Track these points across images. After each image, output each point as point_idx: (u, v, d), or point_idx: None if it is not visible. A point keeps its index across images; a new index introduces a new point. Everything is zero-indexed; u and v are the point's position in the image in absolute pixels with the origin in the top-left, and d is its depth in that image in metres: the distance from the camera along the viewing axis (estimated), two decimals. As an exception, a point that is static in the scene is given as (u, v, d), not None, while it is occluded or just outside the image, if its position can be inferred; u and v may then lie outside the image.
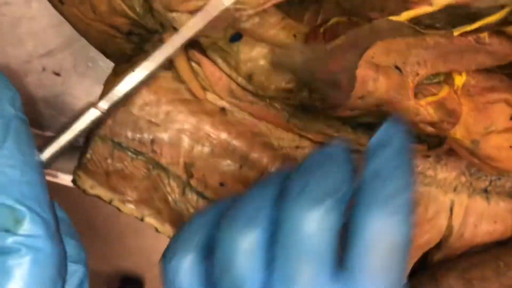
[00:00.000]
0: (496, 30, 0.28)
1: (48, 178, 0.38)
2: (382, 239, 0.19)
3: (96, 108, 0.24)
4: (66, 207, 0.24)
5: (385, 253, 0.19)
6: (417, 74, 0.29)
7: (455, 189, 0.38)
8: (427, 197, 0.37)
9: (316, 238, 0.19)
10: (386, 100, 0.28)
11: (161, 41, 0.28)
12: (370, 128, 0.34)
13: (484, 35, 0.28)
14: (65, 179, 0.36)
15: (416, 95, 0.30)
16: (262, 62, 0.32)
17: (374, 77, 0.28)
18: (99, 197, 0.30)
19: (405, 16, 0.27)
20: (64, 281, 0.20)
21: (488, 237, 0.39)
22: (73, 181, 0.30)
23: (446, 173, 0.38)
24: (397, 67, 0.29)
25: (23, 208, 0.19)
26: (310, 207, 0.19)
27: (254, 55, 0.31)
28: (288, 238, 0.19)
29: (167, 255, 0.21)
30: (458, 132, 0.33)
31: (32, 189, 0.19)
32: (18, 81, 0.38)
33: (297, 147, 0.35)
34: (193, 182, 0.33)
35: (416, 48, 0.29)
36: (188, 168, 0.32)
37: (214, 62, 0.31)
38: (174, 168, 0.32)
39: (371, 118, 0.35)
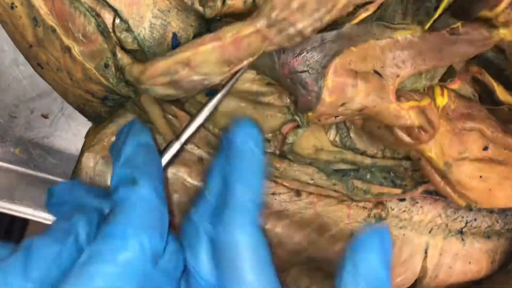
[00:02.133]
0: (469, 18, 0.28)
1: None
2: None
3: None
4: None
5: None
6: (398, 76, 0.30)
7: (430, 231, 0.39)
8: (401, 240, 0.38)
9: None
10: (367, 105, 0.29)
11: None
12: (344, 175, 0.35)
13: (458, 25, 0.28)
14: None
15: (398, 99, 0.30)
16: (239, 114, 0.33)
17: (352, 83, 0.28)
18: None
19: (358, 17, 0.27)
20: None
21: (463, 277, 0.40)
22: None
23: (421, 215, 0.39)
24: (376, 72, 0.29)
25: (139, 176, 0.26)
26: None
27: (231, 108, 0.32)
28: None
29: None
30: (433, 150, 0.33)
31: (150, 169, 0.28)
32: (6, 123, 0.39)
33: (273, 193, 0.36)
34: (171, 228, 0.34)
35: (391, 51, 0.29)
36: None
37: (191, 115, 0.32)
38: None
39: (346, 165, 0.36)
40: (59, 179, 0.40)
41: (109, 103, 0.30)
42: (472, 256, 0.40)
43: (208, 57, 0.25)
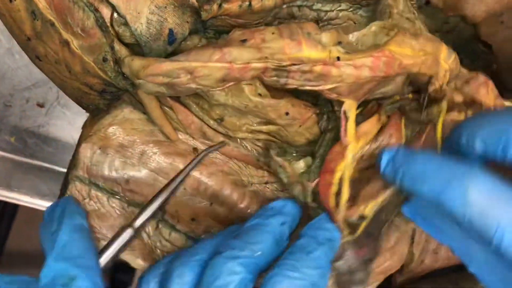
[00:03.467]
0: None
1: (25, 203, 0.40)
2: None
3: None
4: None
5: None
6: None
7: (417, 218, 0.40)
8: (388, 226, 0.40)
9: None
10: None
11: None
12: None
13: None
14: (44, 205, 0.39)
15: None
16: (233, 106, 0.33)
17: None
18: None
19: None
20: None
21: (448, 262, 0.41)
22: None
23: (409, 203, 0.40)
24: None
25: (77, 271, 0.26)
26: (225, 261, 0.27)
27: (226, 101, 0.33)
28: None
29: None
30: None
31: (88, 262, 0.27)
32: (2, 112, 0.39)
33: (266, 183, 0.37)
34: (166, 217, 0.35)
35: None
36: (162, 205, 0.35)
37: (187, 107, 0.33)
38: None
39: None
40: (56, 167, 0.41)
41: (107, 96, 0.30)
42: (457, 242, 0.41)
43: (214, 73, 0.26)
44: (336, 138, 0.32)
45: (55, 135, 0.40)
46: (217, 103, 0.32)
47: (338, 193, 0.31)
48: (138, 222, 0.30)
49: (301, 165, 0.34)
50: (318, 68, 0.28)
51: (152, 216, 0.31)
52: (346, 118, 0.30)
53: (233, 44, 0.27)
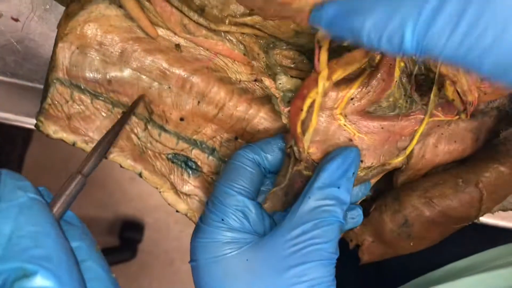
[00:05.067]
0: None
1: (20, 123, 0.39)
2: None
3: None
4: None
5: None
6: None
7: (415, 112, 0.39)
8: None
9: None
10: None
11: None
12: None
13: None
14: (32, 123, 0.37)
15: None
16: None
17: None
18: (62, 140, 0.32)
19: None
20: None
21: (448, 156, 0.40)
22: (36, 126, 0.31)
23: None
24: None
25: (33, 266, 0.22)
26: None
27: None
28: None
29: None
30: None
31: (43, 251, 0.22)
32: (-23, 30, 0.38)
33: (255, 80, 0.35)
34: (154, 117, 0.34)
35: None
36: (148, 104, 0.33)
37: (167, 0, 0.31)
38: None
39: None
40: (38, 86, 0.40)
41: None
42: (457, 135, 0.40)
43: None
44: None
45: (35, 51, 0.39)
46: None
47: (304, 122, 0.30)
48: (87, 169, 0.28)
49: (283, 80, 0.33)
50: None
51: (100, 161, 0.29)
52: (319, 47, 0.29)
53: None
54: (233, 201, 0.30)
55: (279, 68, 0.34)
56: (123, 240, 1.22)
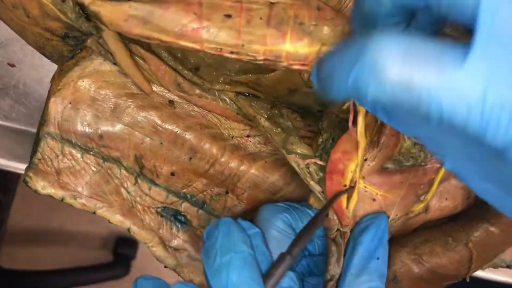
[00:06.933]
0: None
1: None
2: None
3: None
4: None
5: None
6: None
7: (407, 169, 0.39)
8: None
9: None
10: None
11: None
12: (314, 114, 0.35)
13: None
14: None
15: None
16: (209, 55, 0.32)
17: None
18: (51, 196, 0.32)
19: None
20: None
21: (439, 213, 0.40)
22: (25, 181, 0.31)
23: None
24: None
25: None
26: None
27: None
28: None
29: None
30: None
31: None
32: (-27, 74, 0.38)
33: (248, 136, 0.35)
34: (145, 171, 0.34)
35: None
36: (139, 159, 0.33)
37: (159, 56, 0.31)
38: (125, 160, 0.33)
39: (319, 106, 0.35)
40: (32, 129, 0.40)
41: (71, 42, 0.29)
42: (449, 192, 0.40)
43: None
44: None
45: (30, 95, 0.39)
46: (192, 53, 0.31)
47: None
48: (295, 251, 0.28)
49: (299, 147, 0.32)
50: (295, 67, 0.26)
51: (307, 242, 0.29)
52: (355, 111, 0.27)
53: (216, 15, 0.25)
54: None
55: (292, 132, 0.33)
56: (117, 256, 1.22)
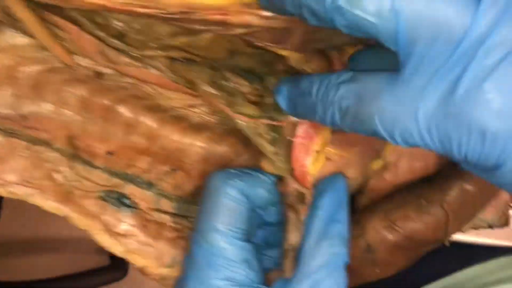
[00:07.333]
0: None
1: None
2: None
3: None
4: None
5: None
6: None
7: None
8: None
9: None
10: None
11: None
12: (260, 77, 0.32)
13: None
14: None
15: None
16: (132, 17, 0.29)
17: None
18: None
19: None
20: None
21: (410, 176, 0.38)
22: None
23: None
24: None
25: None
26: None
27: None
28: None
29: None
30: None
31: None
32: None
33: (190, 105, 0.32)
34: (80, 153, 0.31)
35: None
36: (71, 140, 0.31)
37: (78, 23, 0.29)
38: (56, 141, 0.31)
39: (264, 67, 0.32)
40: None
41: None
42: (417, 153, 0.37)
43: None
44: None
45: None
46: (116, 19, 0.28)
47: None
48: None
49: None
50: (216, 17, 0.23)
51: None
52: None
53: None
54: (236, 250, 0.26)
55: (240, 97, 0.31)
56: (113, 259, 1.20)
